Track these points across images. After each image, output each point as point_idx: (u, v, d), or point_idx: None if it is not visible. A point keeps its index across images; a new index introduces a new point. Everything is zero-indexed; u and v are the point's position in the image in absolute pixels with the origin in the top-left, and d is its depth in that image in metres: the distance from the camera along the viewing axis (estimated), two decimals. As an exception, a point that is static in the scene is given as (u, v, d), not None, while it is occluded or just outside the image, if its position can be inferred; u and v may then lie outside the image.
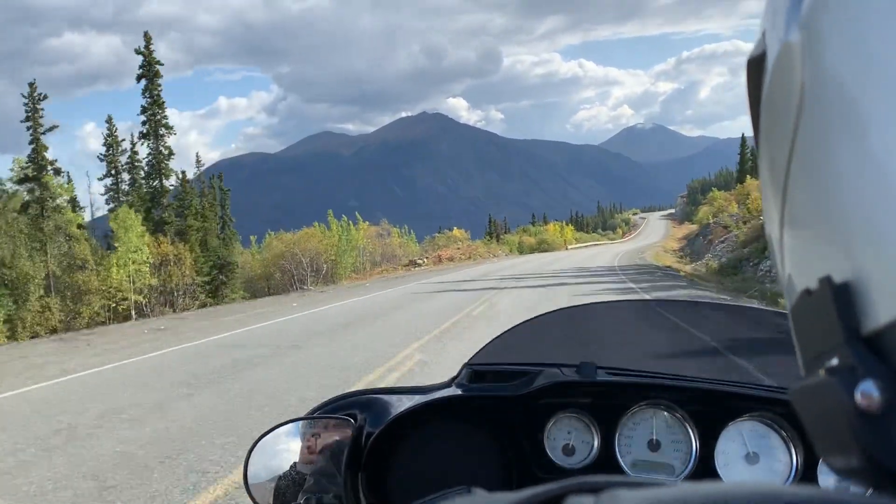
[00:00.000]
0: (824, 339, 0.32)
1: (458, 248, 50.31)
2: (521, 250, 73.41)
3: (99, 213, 39.16)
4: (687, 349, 1.70)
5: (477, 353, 1.50)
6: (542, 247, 78.71)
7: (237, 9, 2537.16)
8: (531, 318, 1.61)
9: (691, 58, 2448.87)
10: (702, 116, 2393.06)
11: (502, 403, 1.31)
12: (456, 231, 62.04)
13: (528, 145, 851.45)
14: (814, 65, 0.31)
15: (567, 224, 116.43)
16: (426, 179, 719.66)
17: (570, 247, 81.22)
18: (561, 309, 1.70)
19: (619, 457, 1.25)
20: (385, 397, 1.37)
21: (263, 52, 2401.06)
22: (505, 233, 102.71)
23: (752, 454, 1.21)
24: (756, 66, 0.40)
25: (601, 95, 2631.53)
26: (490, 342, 1.53)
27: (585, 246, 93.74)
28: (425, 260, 44.37)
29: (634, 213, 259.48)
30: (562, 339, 1.69)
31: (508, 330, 1.58)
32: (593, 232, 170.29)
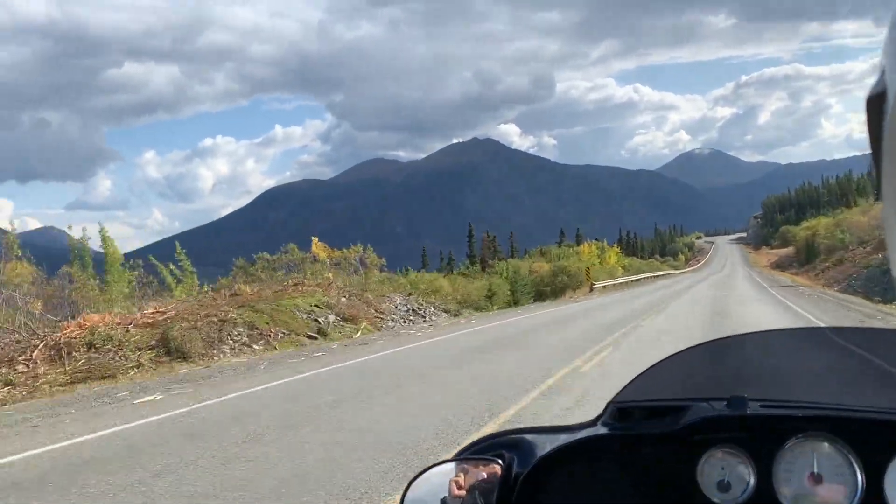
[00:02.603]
0: None
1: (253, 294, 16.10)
2: (517, 288, 38.80)
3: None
4: (856, 376, 1.54)
5: (622, 390, 1.43)
6: (559, 281, 43.51)
7: (292, 39, 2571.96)
8: (677, 353, 1.54)
9: (750, 82, 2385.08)
10: (761, 141, 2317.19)
11: (651, 441, 1.25)
12: (316, 246, 27.68)
13: (582, 171, 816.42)
14: None
15: (613, 246, 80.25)
16: (476, 205, 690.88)
17: (598, 283, 45.24)
18: (708, 342, 1.63)
19: (777, 492, 1.15)
20: (531, 437, 1.33)
21: (318, 81, 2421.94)
22: (511, 255, 68.42)
23: None
24: (876, 104, 0.36)
25: (657, 120, 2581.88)
26: (635, 378, 1.47)
27: (635, 279, 57.87)
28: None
29: (698, 237, 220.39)
30: (710, 373, 1.60)
31: (654, 365, 1.51)
32: (650, 258, 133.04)
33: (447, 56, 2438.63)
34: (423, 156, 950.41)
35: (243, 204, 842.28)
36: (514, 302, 37.99)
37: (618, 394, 1.40)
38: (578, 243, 76.30)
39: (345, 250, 29.77)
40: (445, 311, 24.00)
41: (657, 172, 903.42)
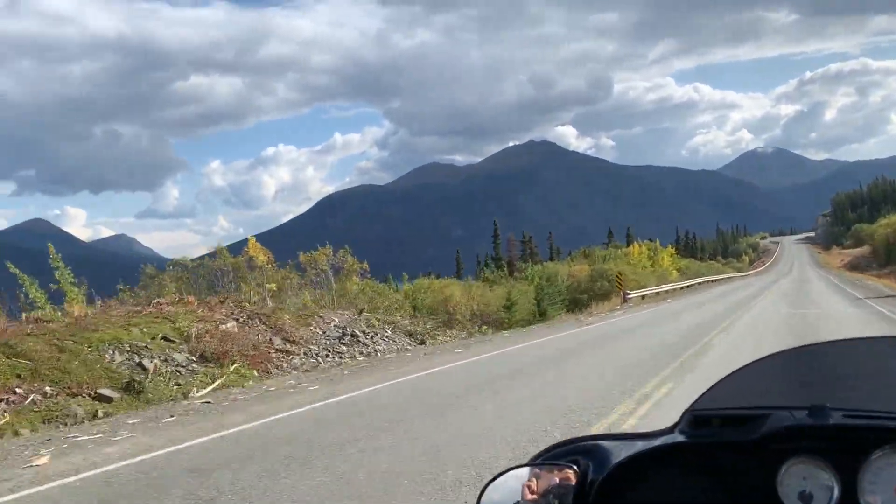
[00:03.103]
0: None
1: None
2: (544, 297, 32.54)
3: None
4: None
5: (699, 397, 1.38)
6: (598, 287, 36.93)
7: (351, 48, 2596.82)
8: (757, 360, 1.50)
9: (815, 78, 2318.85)
10: (828, 139, 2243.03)
11: (729, 450, 1.21)
12: (252, 248, 21.57)
13: (641, 172, 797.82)
14: None
15: (668, 246, 71.82)
16: (532, 208, 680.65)
17: (635, 292, 37.28)
18: (788, 350, 1.59)
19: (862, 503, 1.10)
20: (607, 443, 1.30)
21: (375, 88, 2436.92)
22: (551, 258, 60.95)
23: None
24: None
25: (718, 120, 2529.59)
26: (713, 386, 1.43)
27: (689, 285, 49.93)
28: None
29: (762, 237, 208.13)
30: (790, 381, 1.55)
31: (733, 373, 1.46)
32: (712, 259, 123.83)
33: (502, 60, 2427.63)
34: (479, 159, 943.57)
35: (303, 210, 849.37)
36: (541, 314, 31.20)
37: (695, 401, 1.34)
38: (629, 244, 68.56)
39: (312, 253, 23.50)
40: (409, 335, 17.29)
41: (719, 172, 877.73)
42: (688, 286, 47.76)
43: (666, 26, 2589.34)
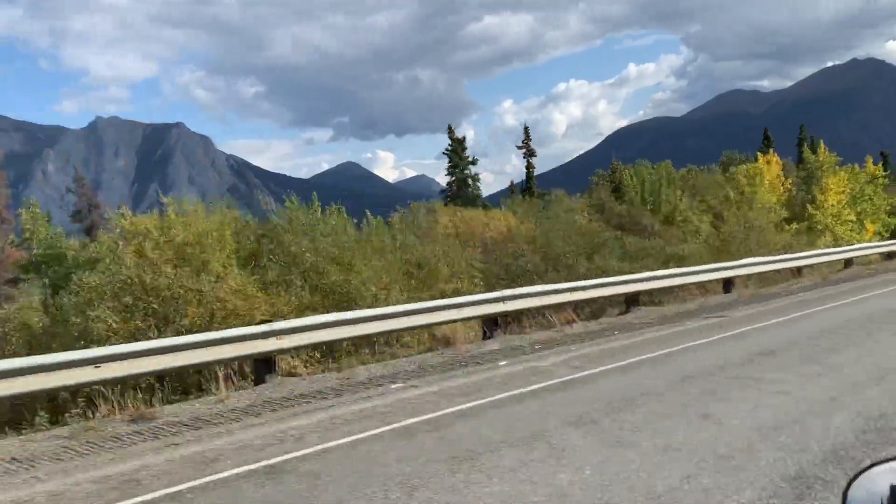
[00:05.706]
0: None
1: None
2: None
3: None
4: None
5: None
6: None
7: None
8: None
9: None
10: None
11: None
12: None
13: None
14: None
15: (869, 164, 36.06)
16: (854, 137, 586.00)
17: None
18: None
19: None
20: None
21: (672, 13, 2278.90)
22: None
23: None
24: None
25: None
26: None
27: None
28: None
29: None
30: None
31: None
32: None
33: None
34: (789, 83, 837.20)
35: (593, 146, 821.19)
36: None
37: None
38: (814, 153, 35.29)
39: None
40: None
41: None
42: None
43: None
